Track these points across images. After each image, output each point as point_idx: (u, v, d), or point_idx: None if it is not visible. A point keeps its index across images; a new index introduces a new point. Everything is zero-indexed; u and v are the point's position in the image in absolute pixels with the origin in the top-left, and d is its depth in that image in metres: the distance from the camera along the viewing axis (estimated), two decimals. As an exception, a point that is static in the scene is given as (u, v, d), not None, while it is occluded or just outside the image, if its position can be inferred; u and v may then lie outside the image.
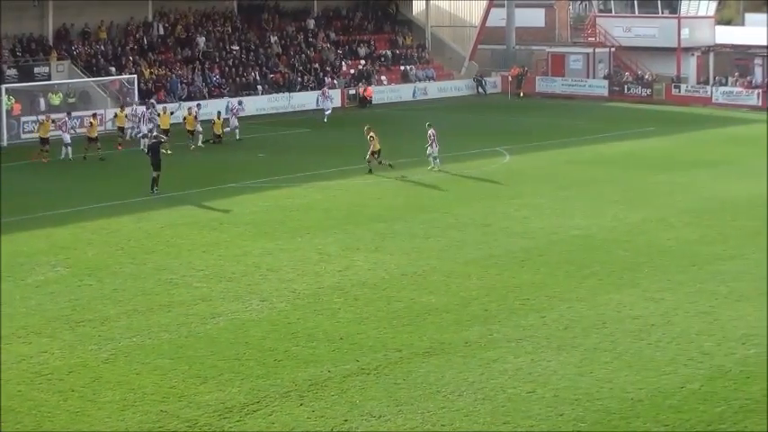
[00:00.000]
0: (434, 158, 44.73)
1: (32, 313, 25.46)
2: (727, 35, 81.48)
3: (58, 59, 60.37)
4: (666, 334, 23.88)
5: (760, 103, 69.81)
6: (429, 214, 36.67)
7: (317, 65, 71.57)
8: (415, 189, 41.63)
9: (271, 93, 66.75)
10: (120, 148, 50.93)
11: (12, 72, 57.87)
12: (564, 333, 23.99)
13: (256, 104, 64.51)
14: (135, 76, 59.73)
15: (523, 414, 19.50)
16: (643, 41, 78.26)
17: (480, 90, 77.23)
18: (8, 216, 35.87)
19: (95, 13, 64.33)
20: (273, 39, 71.78)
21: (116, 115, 53.28)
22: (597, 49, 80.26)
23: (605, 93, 75.85)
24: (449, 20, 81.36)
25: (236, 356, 22.50)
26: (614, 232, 34.17)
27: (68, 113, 51.69)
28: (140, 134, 51.07)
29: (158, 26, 67.52)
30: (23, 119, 54.60)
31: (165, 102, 58.46)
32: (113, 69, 61.64)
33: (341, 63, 73.32)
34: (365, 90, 70.76)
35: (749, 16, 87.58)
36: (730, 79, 74.36)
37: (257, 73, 67.95)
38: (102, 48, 63.43)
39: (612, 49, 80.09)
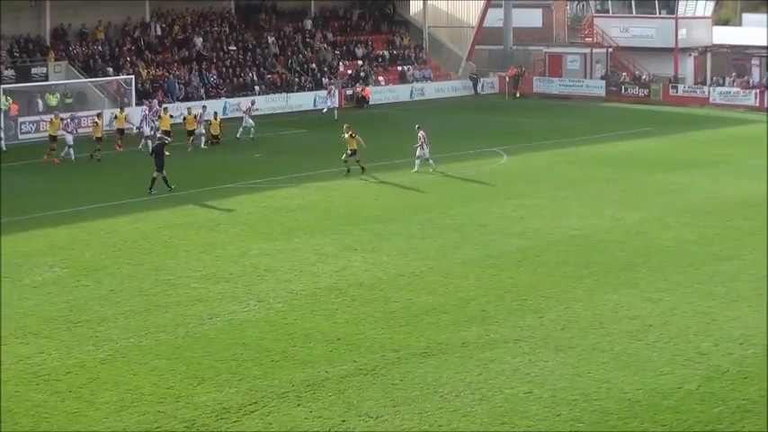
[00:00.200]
0: (427, 160, 44.61)
1: (30, 314, 25.44)
2: (725, 35, 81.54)
3: (56, 60, 60.35)
4: (664, 334, 23.88)
5: (757, 104, 69.86)
6: (426, 215, 36.66)
7: (314, 65, 71.58)
8: (412, 190, 41.62)
9: (268, 93, 66.76)
10: (119, 148, 50.89)
11: (9, 73, 57.84)
12: (561, 333, 23.99)
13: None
14: (132, 76, 59.80)
15: (521, 414, 19.50)
16: (640, 42, 78.30)
17: (476, 89, 77.08)
18: (6, 216, 35.86)
19: (92, 13, 64.25)
20: (271, 39, 71.75)
21: (116, 117, 53.23)
22: (594, 50, 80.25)
23: (602, 93, 75.79)
24: (446, 20, 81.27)
25: (234, 357, 22.48)
26: (612, 232, 34.17)
27: (72, 114, 51.68)
28: (145, 134, 50.83)
29: (155, 26, 67.47)
30: (21, 119, 54.59)
31: (164, 102, 58.40)
32: (111, 70, 61.64)
33: (338, 63, 73.32)
34: (363, 90, 70.79)
35: (746, 16, 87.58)
36: (727, 79, 74.34)
37: (254, 73, 67.93)
38: (100, 48, 63.40)
39: (610, 50, 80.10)
